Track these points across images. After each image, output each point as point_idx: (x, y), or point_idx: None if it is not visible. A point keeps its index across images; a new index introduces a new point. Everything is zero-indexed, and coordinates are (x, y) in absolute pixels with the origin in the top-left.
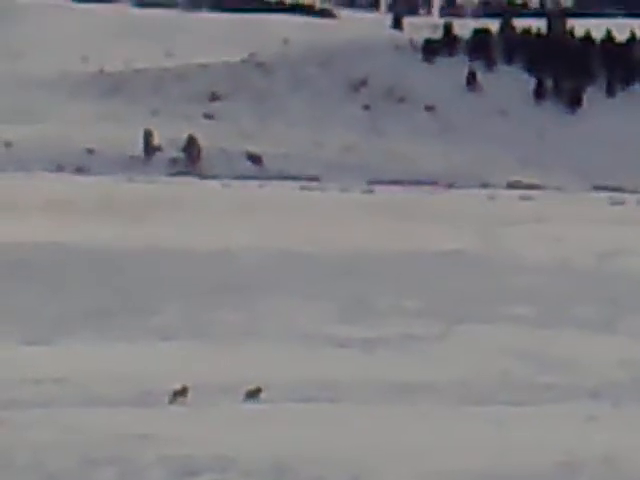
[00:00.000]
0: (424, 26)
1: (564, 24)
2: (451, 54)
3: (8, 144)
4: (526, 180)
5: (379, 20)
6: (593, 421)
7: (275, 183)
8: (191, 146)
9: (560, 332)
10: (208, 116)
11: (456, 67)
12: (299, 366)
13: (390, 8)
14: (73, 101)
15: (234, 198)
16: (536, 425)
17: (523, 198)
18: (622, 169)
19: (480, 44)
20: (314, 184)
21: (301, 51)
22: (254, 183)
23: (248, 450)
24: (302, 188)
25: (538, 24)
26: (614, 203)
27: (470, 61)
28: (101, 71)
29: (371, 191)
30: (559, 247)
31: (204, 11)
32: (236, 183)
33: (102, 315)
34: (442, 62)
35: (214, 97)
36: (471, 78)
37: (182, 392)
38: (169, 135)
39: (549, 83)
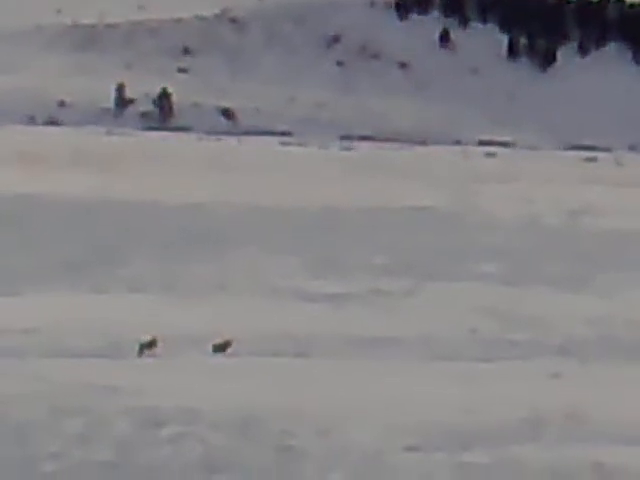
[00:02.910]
0: None
1: None
2: (425, 11)
3: None
4: (498, 138)
5: None
6: (559, 378)
7: (252, 139)
8: (163, 100)
9: (528, 290)
10: (181, 70)
11: (430, 24)
12: (268, 320)
13: None
14: (46, 54)
15: (207, 152)
16: (502, 381)
17: (494, 156)
18: (594, 128)
19: (454, 2)
20: (292, 140)
21: (275, 7)
22: (229, 138)
23: (215, 402)
24: (282, 144)
25: None
26: (585, 161)
27: (443, 19)
28: (75, 24)
29: (350, 148)
30: (530, 205)
31: None
32: (210, 138)
33: (72, 266)
34: (416, 19)
35: (187, 52)
36: (444, 36)
37: (151, 344)
38: (142, 89)
39: (522, 42)
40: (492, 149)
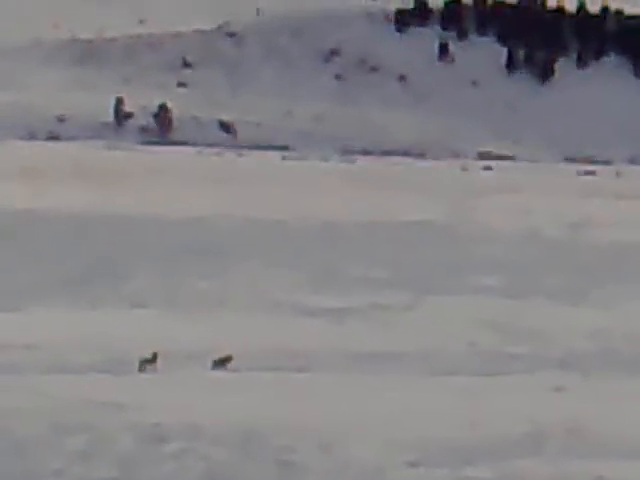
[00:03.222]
0: None
1: None
2: (423, 24)
3: None
4: (497, 151)
5: None
6: (560, 391)
7: (252, 153)
8: (162, 114)
9: (528, 303)
10: (180, 84)
11: (428, 37)
12: (268, 335)
13: None
14: (45, 68)
15: (207, 166)
16: (503, 395)
17: (493, 169)
18: (593, 140)
19: (452, 15)
20: (292, 154)
21: (273, 21)
22: (229, 152)
23: (217, 418)
24: (283, 158)
25: None
26: (585, 174)
27: (442, 31)
28: (73, 38)
29: (349, 161)
30: (529, 218)
31: None
32: (209, 151)
33: (73, 282)
34: (414, 32)
35: (186, 65)
36: (443, 49)
37: (152, 359)
38: (141, 103)
39: (521, 54)
40: (491, 162)
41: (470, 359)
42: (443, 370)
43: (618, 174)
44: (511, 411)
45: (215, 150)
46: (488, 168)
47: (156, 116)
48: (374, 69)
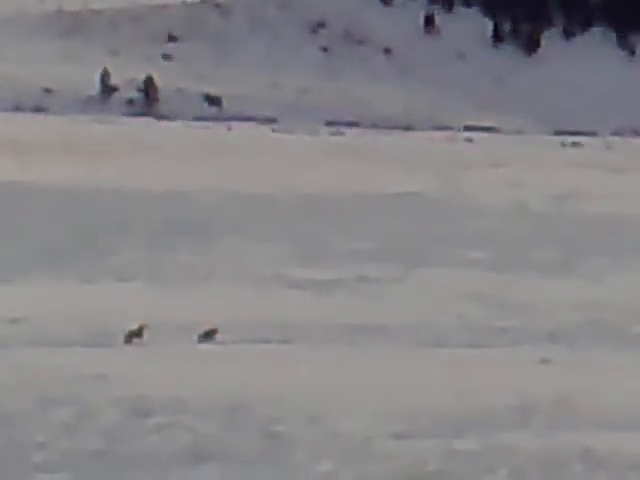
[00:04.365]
0: None
1: None
2: None
3: None
4: (484, 123)
5: None
6: (548, 364)
7: (240, 125)
8: (149, 87)
9: (517, 275)
10: (166, 57)
11: (414, 10)
12: (254, 307)
13: None
14: (30, 41)
15: (194, 139)
16: (491, 368)
17: (480, 141)
18: (580, 112)
19: None
20: (279, 126)
21: None
22: (216, 125)
23: (203, 390)
24: (273, 130)
25: None
26: (572, 146)
27: (428, 4)
28: (59, 10)
29: (338, 134)
30: (516, 190)
31: None
32: (197, 125)
33: (57, 255)
34: (400, 5)
35: (171, 38)
36: (429, 21)
37: (137, 332)
38: (127, 75)
39: (507, 26)
40: (477, 134)
41: (458, 332)
42: (431, 342)
43: (608, 146)
44: (499, 384)
45: (203, 123)
46: (474, 140)
47: (142, 90)
48: (360, 42)
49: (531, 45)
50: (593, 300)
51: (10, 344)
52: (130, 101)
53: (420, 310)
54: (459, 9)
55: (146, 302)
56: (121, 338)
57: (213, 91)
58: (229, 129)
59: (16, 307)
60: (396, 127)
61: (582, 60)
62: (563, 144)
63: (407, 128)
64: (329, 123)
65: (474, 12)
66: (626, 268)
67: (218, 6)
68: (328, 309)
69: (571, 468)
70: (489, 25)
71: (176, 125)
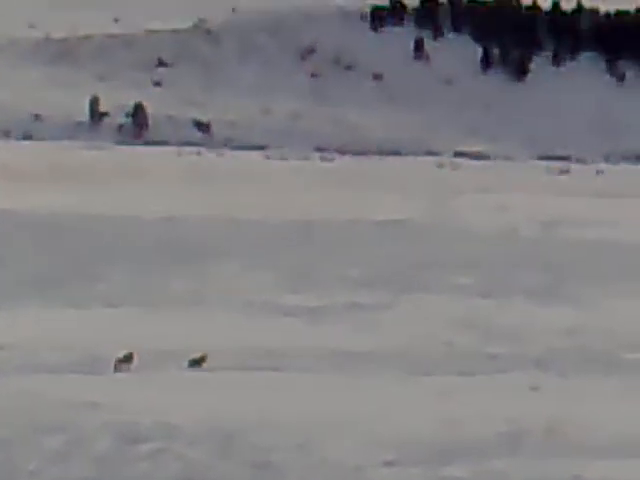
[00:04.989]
0: None
1: None
2: (399, 23)
3: None
4: (473, 149)
5: None
6: (537, 391)
7: (230, 152)
8: (138, 113)
9: (505, 301)
10: (155, 83)
11: (403, 36)
12: (244, 334)
13: None
14: (20, 67)
15: (184, 166)
16: (481, 395)
17: (469, 167)
18: (568, 138)
19: (427, 13)
20: (270, 152)
21: (249, 19)
22: (207, 151)
23: (193, 417)
24: (264, 157)
25: None
26: (559, 172)
27: (418, 30)
28: (47, 37)
29: (328, 159)
30: (505, 216)
31: None
32: (188, 151)
33: (48, 282)
34: (390, 31)
35: (161, 64)
36: (418, 47)
37: (127, 359)
38: (116, 101)
39: (496, 52)
40: (466, 160)
41: (447, 359)
42: (420, 370)
43: (598, 172)
44: (488, 411)
45: (194, 149)
46: (463, 166)
47: (131, 116)
48: (349, 68)
49: (520, 71)
50: (582, 326)
51: (0, 370)
52: (120, 127)
53: (409, 337)
54: (448, 35)
55: (136, 329)
56: (111, 365)
57: (203, 117)
58: (219, 155)
59: (6, 333)
60: (385, 153)
61: (571, 86)
62: (548, 170)
63: (396, 153)
64: (319, 149)
65: (463, 38)
66: (615, 294)
67: (208, 32)
68: (318, 336)
69: None
70: (478, 51)
71: (166, 151)
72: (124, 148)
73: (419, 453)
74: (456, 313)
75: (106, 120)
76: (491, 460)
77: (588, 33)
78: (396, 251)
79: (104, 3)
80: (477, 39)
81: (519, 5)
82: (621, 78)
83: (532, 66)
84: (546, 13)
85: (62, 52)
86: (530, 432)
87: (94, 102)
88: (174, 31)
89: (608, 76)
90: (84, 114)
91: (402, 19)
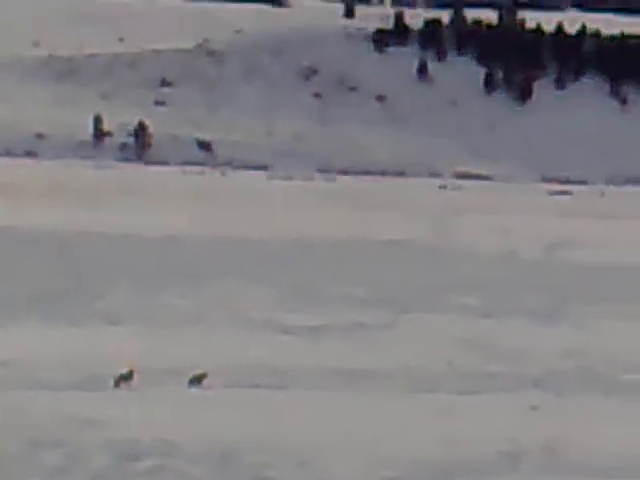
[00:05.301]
0: (376, 16)
1: (515, 16)
2: (402, 44)
3: None
4: (475, 171)
5: (331, 9)
6: (537, 410)
7: (233, 172)
8: (141, 132)
9: (506, 322)
10: (159, 102)
11: (407, 57)
12: (245, 352)
13: None
14: (24, 85)
15: (186, 185)
16: (480, 414)
17: (472, 189)
18: (571, 161)
19: (431, 35)
20: (271, 173)
21: (253, 39)
22: (210, 171)
23: (193, 435)
24: (267, 177)
25: (489, 15)
26: (562, 194)
27: (422, 51)
28: (52, 55)
29: (331, 180)
30: (507, 238)
31: None
32: (190, 170)
33: (48, 299)
34: (393, 52)
35: (165, 84)
36: (422, 69)
37: (127, 376)
38: (119, 120)
39: (499, 74)
40: (469, 182)
41: (448, 378)
42: (421, 388)
43: (602, 194)
44: (488, 430)
45: (197, 169)
46: (466, 187)
47: (134, 135)
48: (353, 89)
49: (523, 93)
50: (582, 347)
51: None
52: (123, 146)
53: (411, 356)
54: (452, 57)
55: (136, 346)
56: (111, 382)
57: (206, 137)
58: (222, 174)
59: (6, 350)
60: (388, 173)
61: (574, 109)
62: (550, 193)
63: (399, 174)
64: (322, 170)
65: (467, 60)
66: (615, 316)
67: (212, 52)
68: (319, 355)
69: None
70: (482, 73)
71: (169, 170)
72: (127, 167)
73: (420, 471)
74: (458, 333)
75: (109, 139)
76: (491, 478)
77: (591, 56)
78: (398, 271)
79: (109, 22)
80: (481, 61)
81: (523, 27)
82: (624, 101)
83: (535, 89)
84: (550, 35)
85: (66, 70)
86: (530, 451)
87: (97, 121)
88: (178, 51)
89: (611, 99)
90: (87, 133)
91: (405, 41)
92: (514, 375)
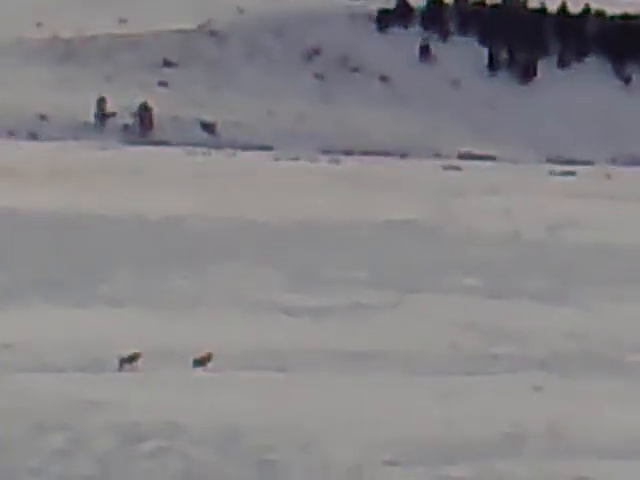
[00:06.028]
0: None
1: None
2: (405, 25)
3: None
4: (478, 151)
5: None
6: (540, 392)
7: (238, 153)
8: (144, 113)
9: (510, 303)
10: (161, 83)
11: (410, 38)
12: (248, 334)
13: None
14: (27, 67)
15: (188, 166)
16: (484, 395)
17: (475, 169)
18: (574, 140)
19: (434, 15)
20: (275, 153)
21: (255, 20)
22: (215, 152)
23: (197, 417)
24: (273, 158)
25: None
26: (565, 174)
27: (424, 32)
28: (55, 37)
29: (336, 162)
30: (510, 218)
31: None
32: (193, 151)
33: (52, 282)
34: (396, 33)
35: (167, 65)
36: (425, 49)
37: (132, 358)
38: (122, 102)
39: (502, 54)
40: (472, 162)
41: (452, 359)
42: (425, 370)
43: (608, 175)
44: (492, 411)
45: (201, 149)
46: (468, 168)
47: (137, 116)
48: (356, 69)
49: (526, 73)
50: (586, 329)
51: (4, 369)
52: (125, 127)
53: (414, 338)
54: (455, 37)
55: (140, 328)
56: (115, 364)
57: (208, 118)
58: (227, 156)
59: (9, 333)
60: (391, 154)
61: (577, 89)
62: (551, 173)
63: (402, 155)
64: (324, 150)
65: (470, 40)
66: (619, 297)
67: (214, 33)
68: (322, 336)
69: None
70: (485, 53)
71: (172, 151)
72: (130, 148)
73: (423, 453)
74: (461, 314)
75: (111, 120)
76: (494, 460)
77: (595, 36)
78: (401, 252)
79: (111, 4)
80: (483, 41)
81: (526, 7)
82: (627, 81)
83: (538, 69)
84: (553, 15)
85: (69, 52)
86: (533, 433)
87: (100, 103)
88: (180, 32)
89: (614, 79)
90: (90, 114)
91: (408, 21)
92: (518, 356)
